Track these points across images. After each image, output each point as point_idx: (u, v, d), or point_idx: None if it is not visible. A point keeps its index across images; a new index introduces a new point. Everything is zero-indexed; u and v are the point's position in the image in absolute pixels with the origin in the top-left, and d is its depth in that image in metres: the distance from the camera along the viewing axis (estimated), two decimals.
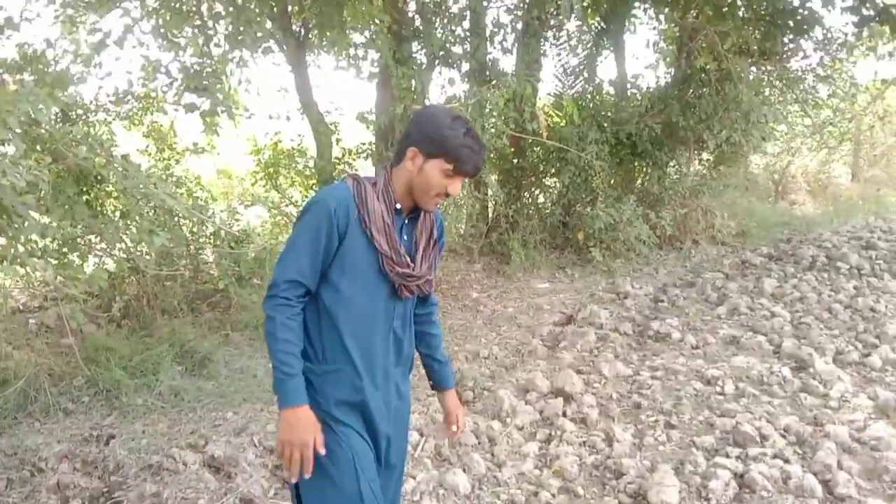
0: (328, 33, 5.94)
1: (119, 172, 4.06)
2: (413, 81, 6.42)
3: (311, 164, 6.90)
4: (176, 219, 5.60)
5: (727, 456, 3.65)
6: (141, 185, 4.08)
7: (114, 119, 6.77)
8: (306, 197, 7.15)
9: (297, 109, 7.13)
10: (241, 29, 5.11)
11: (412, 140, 1.95)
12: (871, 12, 8.20)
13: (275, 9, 6.15)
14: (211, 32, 6.11)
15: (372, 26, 6.35)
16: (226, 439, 3.86)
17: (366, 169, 7.70)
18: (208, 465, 3.61)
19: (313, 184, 6.91)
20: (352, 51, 7.11)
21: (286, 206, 7.19)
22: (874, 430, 3.88)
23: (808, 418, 4.14)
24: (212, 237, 6.10)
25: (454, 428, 2.34)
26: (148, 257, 5.32)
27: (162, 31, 5.69)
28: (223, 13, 5.62)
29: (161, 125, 7.34)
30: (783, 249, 8.88)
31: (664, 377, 4.81)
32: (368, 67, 6.87)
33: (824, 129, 12.72)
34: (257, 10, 5.39)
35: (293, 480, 1.94)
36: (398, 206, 1.99)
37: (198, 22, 5.83)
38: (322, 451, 1.92)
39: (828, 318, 6.10)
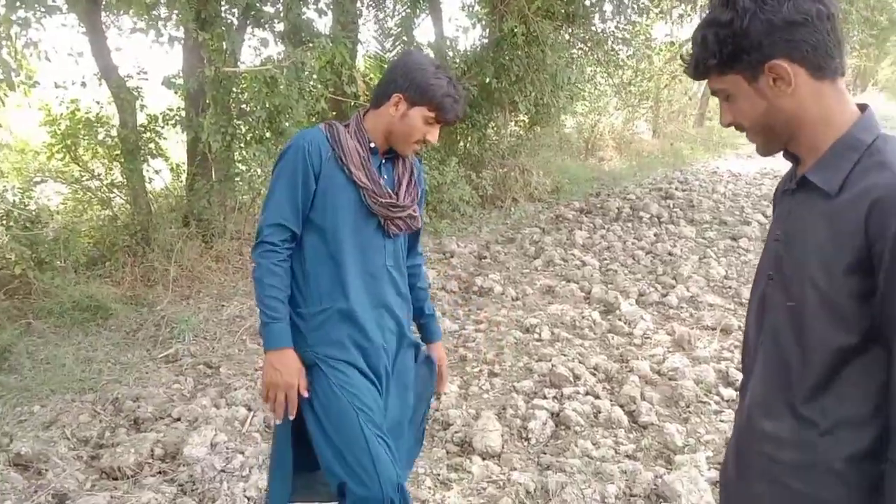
0: None
1: None
2: (223, 43, 6.10)
3: (114, 133, 6.38)
4: None
5: (544, 397, 3.91)
6: None
7: None
8: (110, 168, 6.62)
9: (95, 75, 6.55)
10: None
11: (398, 86, 1.99)
12: None
13: None
14: None
15: None
16: (33, 434, 3.57)
17: (175, 137, 7.25)
18: (14, 464, 3.33)
19: (117, 154, 6.41)
20: (153, 12, 6.60)
21: (88, 180, 6.62)
22: (671, 362, 4.31)
23: (616, 356, 4.52)
24: (3, 217, 5.51)
25: (441, 387, 2.39)
26: None
27: None
28: None
29: None
30: (593, 203, 9.53)
31: (487, 329, 5.04)
32: (170, 30, 6.43)
33: (626, 88, 13.68)
34: None
35: (278, 422, 2.00)
36: (373, 145, 2.04)
37: None
38: (305, 395, 1.96)
39: (632, 263, 6.65)
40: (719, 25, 1.22)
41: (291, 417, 1.97)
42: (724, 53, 1.23)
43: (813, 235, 1.23)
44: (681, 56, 1.41)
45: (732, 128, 1.35)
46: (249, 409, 3.83)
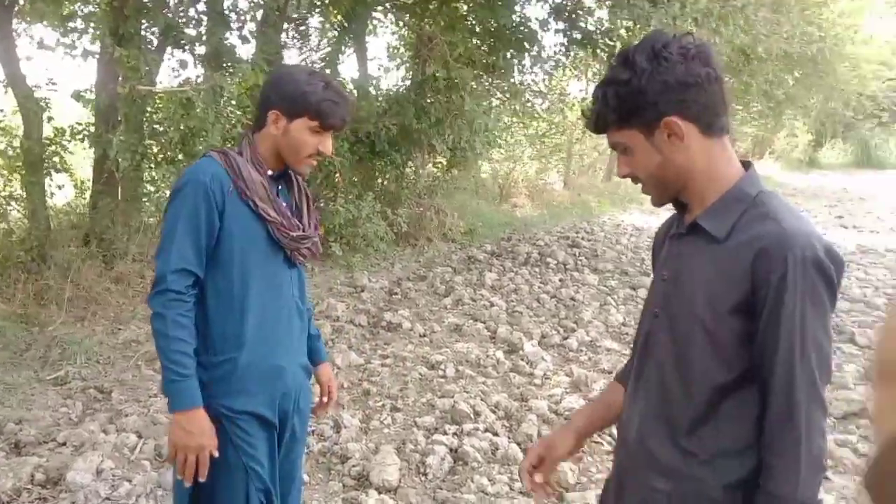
0: (39, 4, 5.33)
1: None
2: (140, 61, 6.00)
3: (17, 143, 6.13)
4: None
5: (445, 433, 3.95)
6: None
7: None
8: (9, 180, 6.33)
9: (1, 82, 6.30)
10: None
11: (271, 102, 1.89)
12: (578, 36, 9.37)
13: None
14: None
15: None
16: None
17: (82, 153, 7.01)
18: None
19: (18, 166, 6.14)
20: (69, 23, 6.44)
21: None
22: (568, 402, 4.45)
23: (516, 395, 4.62)
24: None
25: (326, 399, 2.28)
26: None
27: None
28: None
29: None
30: (504, 247, 9.76)
31: (393, 364, 5.06)
32: (86, 44, 6.28)
33: (541, 140, 14.16)
34: None
35: (187, 485, 1.86)
36: (270, 172, 1.93)
37: None
38: (216, 455, 1.83)
39: (537, 306, 6.83)
40: (618, 84, 1.32)
41: (202, 480, 1.85)
42: (622, 109, 1.33)
43: (700, 276, 1.34)
44: (582, 111, 1.52)
45: (629, 179, 1.46)
46: (140, 437, 3.70)
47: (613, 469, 1.59)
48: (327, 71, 9.69)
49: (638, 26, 8.95)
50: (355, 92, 9.90)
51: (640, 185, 1.45)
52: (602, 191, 17.32)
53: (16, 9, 6.25)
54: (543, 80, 11.32)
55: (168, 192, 6.20)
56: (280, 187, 2.00)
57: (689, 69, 1.29)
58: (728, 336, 1.30)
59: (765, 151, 28.33)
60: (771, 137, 28.03)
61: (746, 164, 1.41)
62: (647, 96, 1.30)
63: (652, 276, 1.60)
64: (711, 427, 1.34)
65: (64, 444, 3.56)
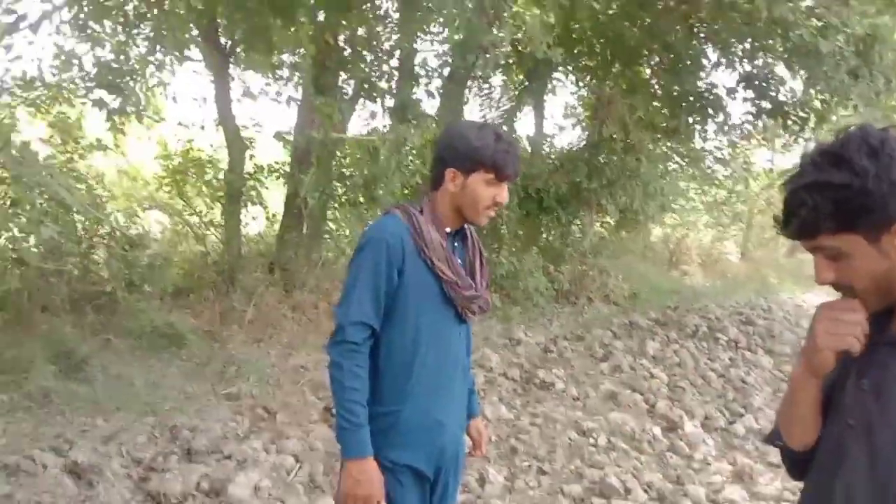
0: (253, 54, 5.97)
1: (14, 158, 3.91)
2: (336, 110, 6.50)
3: (222, 175, 6.82)
4: (69, 214, 5.40)
5: None
6: (35, 175, 3.94)
7: (18, 104, 6.51)
8: (211, 207, 7.04)
9: (214, 120, 7.07)
10: (164, 33, 5.07)
11: (447, 161, 1.96)
12: (768, 105, 8.93)
13: (202, 19, 6.13)
14: (134, 31, 6.02)
15: (299, 51, 6.43)
16: (92, 446, 3.72)
17: (275, 188, 7.65)
18: (70, 471, 3.47)
19: (220, 196, 6.83)
20: (277, 71, 7.13)
21: (189, 214, 7.05)
22: (728, 493, 4.13)
23: (671, 476, 4.36)
24: (106, 237, 5.90)
25: (476, 452, 2.32)
26: (34, 249, 5.08)
27: (81, 22, 5.57)
28: (148, 14, 5.56)
29: (68, 117, 7.10)
30: (669, 316, 9.33)
31: (543, 424, 4.96)
32: (290, 91, 6.91)
33: (719, 208, 13.53)
34: (185, 15, 5.35)
35: None
36: (448, 229, 2.00)
37: (121, 19, 5.73)
38: None
39: (701, 384, 6.44)
40: (834, 187, 1.19)
41: None
42: (844, 214, 1.20)
43: None
44: (774, 217, 1.38)
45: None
46: (297, 461, 3.88)
47: None
48: (504, 127, 9.95)
49: (835, 99, 8.39)
50: (529, 148, 10.06)
51: (833, 289, 1.31)
52: (783, 266, 16.18)
53: (232, 58, 7.01)
54: (727, 148, 10.86)
55: (348, 232, 6.63)
56: (456, 244, 2.06)
57: None
58: None
59: None
60: None
61: None
62: (874, 198, 1.17)
63: (834, 373, 1.43)
64: None
65: (229, 457, 3.80)
